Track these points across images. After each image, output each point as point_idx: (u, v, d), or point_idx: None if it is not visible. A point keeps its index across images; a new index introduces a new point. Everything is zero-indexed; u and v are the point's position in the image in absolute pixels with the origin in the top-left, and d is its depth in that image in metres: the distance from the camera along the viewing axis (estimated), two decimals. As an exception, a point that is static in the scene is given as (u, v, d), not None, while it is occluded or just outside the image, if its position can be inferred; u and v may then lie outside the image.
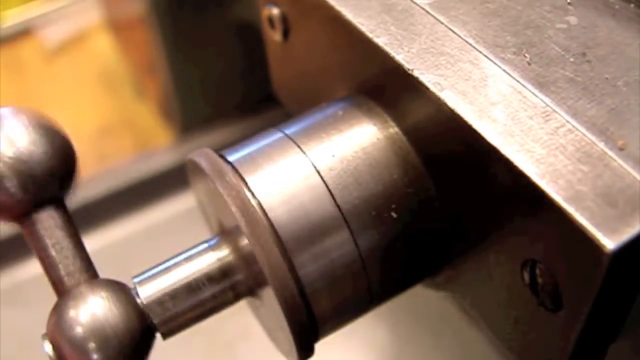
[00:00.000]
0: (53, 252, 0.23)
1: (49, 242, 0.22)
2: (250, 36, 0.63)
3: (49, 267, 0.23)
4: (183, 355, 0.57)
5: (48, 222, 0.21)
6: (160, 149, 0.73)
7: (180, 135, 0.73)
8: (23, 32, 0.88)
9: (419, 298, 0.59)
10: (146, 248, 0.64)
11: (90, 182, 0.67)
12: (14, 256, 0.65)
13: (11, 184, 0.19)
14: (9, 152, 0.19)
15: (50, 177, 0.20)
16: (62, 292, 0.23)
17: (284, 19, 0.28)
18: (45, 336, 0.23)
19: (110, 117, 0.79)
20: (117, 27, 0.83)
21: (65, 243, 0.23)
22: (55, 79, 0.84)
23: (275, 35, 0.29)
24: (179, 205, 0.70)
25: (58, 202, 0.21)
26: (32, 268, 0.65)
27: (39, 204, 0.21)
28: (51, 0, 0.89)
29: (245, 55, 0.69)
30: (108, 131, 0.78)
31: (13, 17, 0.89)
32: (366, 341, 0.59)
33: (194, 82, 0.69)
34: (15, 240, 0.65)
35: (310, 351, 0.24)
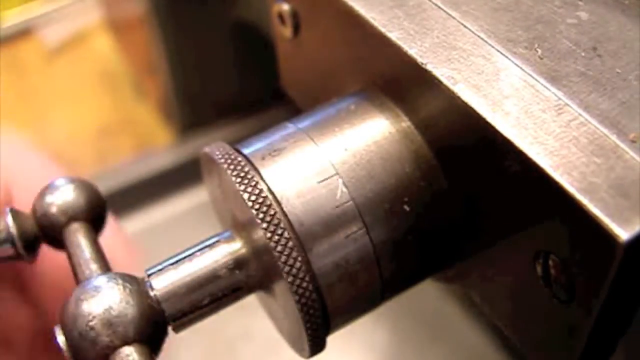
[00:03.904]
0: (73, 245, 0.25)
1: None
2: (250, 36, 0.63)
3: (70, 259, 0.25)
4: (183, 355, 0.57)
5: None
6: (160, 149, 0.73)
7: (180, 135, 0.73)
8: (23, 32, 0.88)
9: (419, 298, 0.60)
10: (145, 248, 0.64)
11: (90, 182, 0.67)
12: (13, 256, 0.65)
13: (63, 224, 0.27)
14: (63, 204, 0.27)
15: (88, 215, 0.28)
16: (77, 278, 0.23)
17: (295, 14, 0.28)
18: (58, 328, 0.23)
19: (110, 117, 0.79)
20: (117, 27, 0.83)
21: (82, 237, 0.26)
22: (55, 79, 0.84)
23: (286, 31, 0.29)
24: (179, 205, 0.70)
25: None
26: (32, 268, 0.65)
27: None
28: (51, 0, 0.89)
29: (245, 55, 0.69)
30: (108, 131, 0.78)
31: (13, 17, 0.89)
32: (366, 341, 0.59)
33: (194, 82, 0.69)
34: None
35: (321, 345, 0.24)
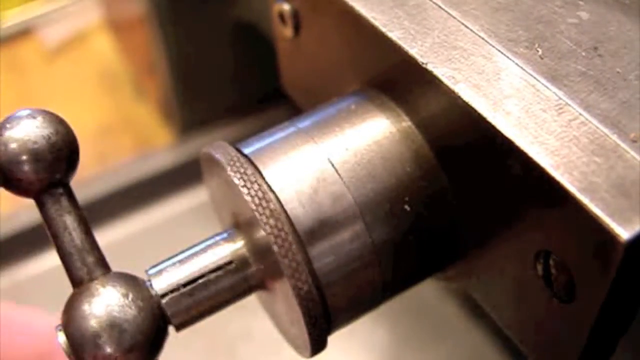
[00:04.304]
0: (65, 239, 0.23)
1: (60, 226, 0.24)
2: (250, 36, 0.63)
3: (64, 257, 0.24)
4: (183, 355, 0.57)
5: (57, 203, 0.24)
6: (160, 149, 0.73)
7: (180, 135, 0.73)
8: (23, 32, 0.88)
9: (419, 298, 0.60)
10: (145, 248, 0.64)
11: (90, 182, 0.67)
12: (14, 256, 0.65)
13: (26, 164, 0.23)
14: (25, 140, 0.23)
15: (57, 160, 0.23)
16: (77, 284, 0.23)
17: (296, 14, 0.28)
18: (60, 328, 0.23)
19: (110, 117, 0.79)
20: (117, 27, 0.83)
21: (75, 229, 0.24)
22: (55, 79, 0.83)
23: (286, 31, 0.29)
24: (179, 205, 0.70)
25: (65, 187, 0.24)
26: (32, 268, 0.65)
27: (48, 185, 0.24)
28: (51, 0, 0.89)
29: (245, 54, 0.69)
30: (108, 131, 0.78)
31: (13, 17, 0.89)
32: (366, 341, 0.59)
33: (194, 82, 0.69)
34: (15, 240, 0.64)
35: (322, 344, 0.24)
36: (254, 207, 0.22)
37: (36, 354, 0.30)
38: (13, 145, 0.22)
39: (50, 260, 0.62)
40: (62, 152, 0.23)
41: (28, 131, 0.23)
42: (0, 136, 0.23)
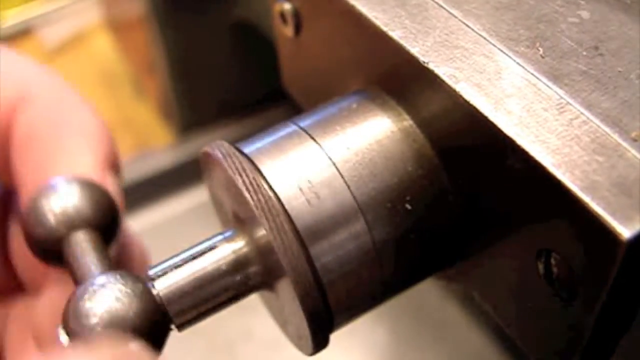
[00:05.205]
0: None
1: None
2: (250, 36, 0.63)
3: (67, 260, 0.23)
4: (183, 355, 0.57)
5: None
6: (160, 149, 0.73)
7: (180, 135, 0.73)
8: (23, 32, 0.88)
9: (419, 298, 0.60)
10: (146, 248, 0.64)
11: (90, 182, 0.67)
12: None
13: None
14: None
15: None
16: (78, 282, 0.23)
17: (296, 14, 0.28)
18: (61, 327, 0.23)
19: (110, 117, 0.79)
20: (117, 27, 0.83)
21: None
22: (55, 79, 0.83)
23: (287, 31, 0.29)
24: (179, 205, 0.70)
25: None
26: (32, 268, 0.65)
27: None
28: (51, 0, 0.89)
29: (245, 55, 0.69)
30: (108, 131, 0.78)
31: (13, 17, 0.89)
32: (366, 340, 0.59)
33: (193, 82, 0.69)
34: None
35: (324, 342, 0.24)
36: (254, 206, 0.22)
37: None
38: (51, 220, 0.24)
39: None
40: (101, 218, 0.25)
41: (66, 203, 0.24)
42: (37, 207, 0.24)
